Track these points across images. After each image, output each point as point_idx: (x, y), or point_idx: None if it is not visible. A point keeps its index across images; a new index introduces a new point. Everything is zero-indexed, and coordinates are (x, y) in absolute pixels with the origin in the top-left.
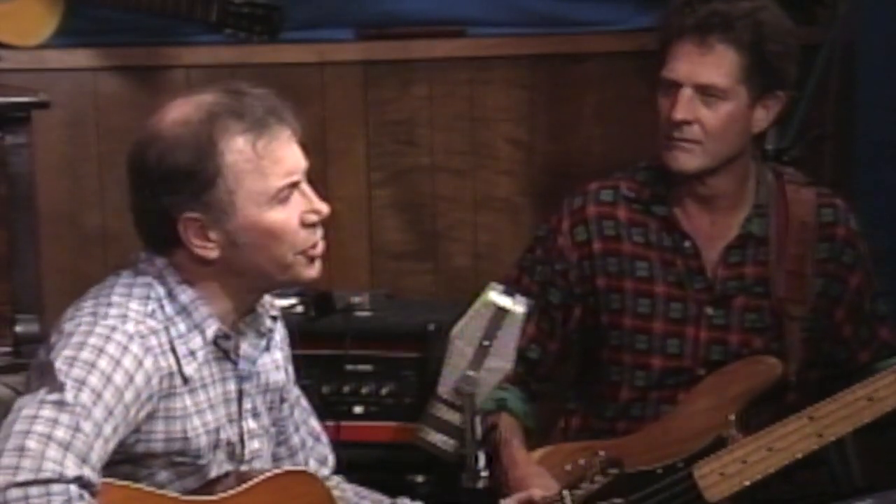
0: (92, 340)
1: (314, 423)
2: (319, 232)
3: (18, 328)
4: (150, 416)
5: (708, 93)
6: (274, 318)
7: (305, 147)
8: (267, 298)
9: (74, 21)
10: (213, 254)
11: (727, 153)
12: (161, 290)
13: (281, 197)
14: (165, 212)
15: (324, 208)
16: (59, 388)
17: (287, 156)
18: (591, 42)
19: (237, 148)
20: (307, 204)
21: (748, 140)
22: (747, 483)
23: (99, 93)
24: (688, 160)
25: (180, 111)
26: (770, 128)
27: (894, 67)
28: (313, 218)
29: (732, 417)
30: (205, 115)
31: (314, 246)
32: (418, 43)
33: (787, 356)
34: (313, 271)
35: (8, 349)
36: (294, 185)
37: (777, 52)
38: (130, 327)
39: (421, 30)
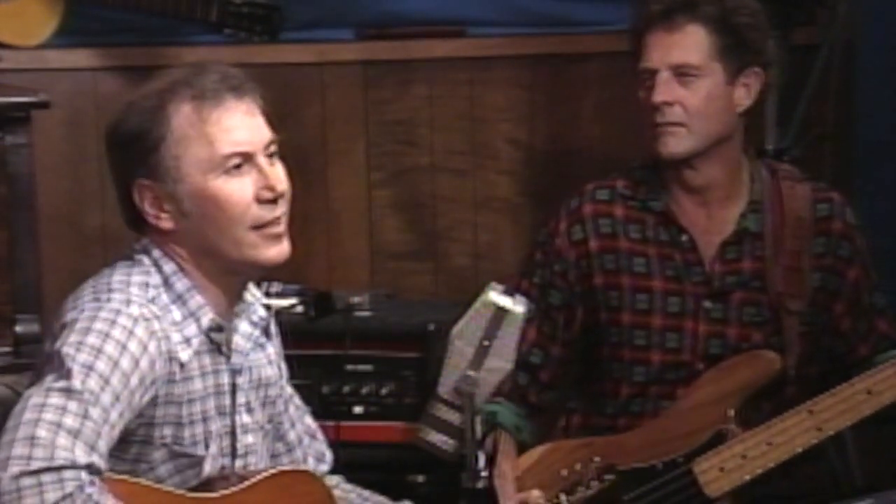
0: (97, 325)
1: (309, 420)
2: (279, 210)
3: (18, 328)
4: (153, 402)
5: (684, 72)
6: (267, 308)
7: (272, 120)
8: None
9: (74, 21)
10: (167, 224)
11: (713, 134)
12: (158, 279)
13: (228, 166)
14: (122, 179)
15: (279, 185)
16: (67, 374)
17: (237, 126)
18: (591, 42)
19: (183, 113)
20: (263, 179)
21: (734, 123)
22: (747, 478)
23: (99, 93)
24: (676, 144)
25: (147, 85)
26: (753, 106)
27: (894, 67)
28: (267, 195)
29: (732, 412)
30: (163, 85)
31: (271, 223)
32: (418, 43)
33: (786, 350)
34: (274, 251)
35: (8, 349)
36: (246, 157)
37: (745, 24)
38: (135, 310)
39: (421, 30)
